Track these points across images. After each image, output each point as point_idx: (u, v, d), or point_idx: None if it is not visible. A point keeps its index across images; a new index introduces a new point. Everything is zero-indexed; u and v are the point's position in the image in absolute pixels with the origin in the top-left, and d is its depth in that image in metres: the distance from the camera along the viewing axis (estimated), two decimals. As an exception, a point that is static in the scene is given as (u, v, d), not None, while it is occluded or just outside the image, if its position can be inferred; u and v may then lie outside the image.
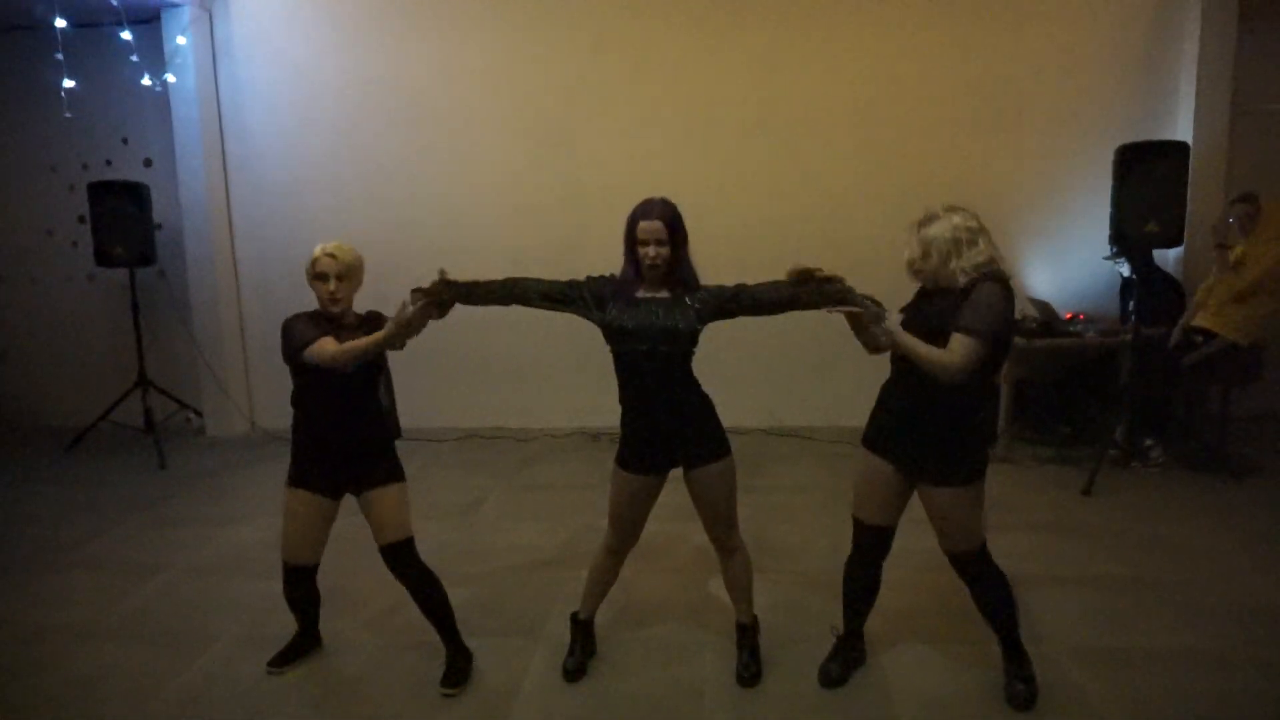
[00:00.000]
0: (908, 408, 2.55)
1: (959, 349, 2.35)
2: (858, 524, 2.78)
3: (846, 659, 2.90)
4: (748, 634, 2.93)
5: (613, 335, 2.64)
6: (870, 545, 2.78)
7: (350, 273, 2.72)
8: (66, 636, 3.27)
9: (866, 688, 2.81)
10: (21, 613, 3.49)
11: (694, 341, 2.65)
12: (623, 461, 2.75)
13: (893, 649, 3.04)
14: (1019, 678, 2.71)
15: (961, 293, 2.43)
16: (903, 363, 2.53)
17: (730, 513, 2.78)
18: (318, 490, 2.80)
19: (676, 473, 2.77)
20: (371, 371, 2.80)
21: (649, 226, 2.58)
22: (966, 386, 2.40)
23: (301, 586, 2.94)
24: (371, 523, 2.84)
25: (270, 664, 2.99)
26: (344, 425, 2.77)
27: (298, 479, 2.80)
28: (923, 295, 2.61)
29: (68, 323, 6.62)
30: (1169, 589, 3.44)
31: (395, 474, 2.87)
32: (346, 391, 2.75)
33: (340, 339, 2.65)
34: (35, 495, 5.01)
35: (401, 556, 2.84)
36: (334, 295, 2.69)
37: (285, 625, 3.30)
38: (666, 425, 2.67)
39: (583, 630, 2.99)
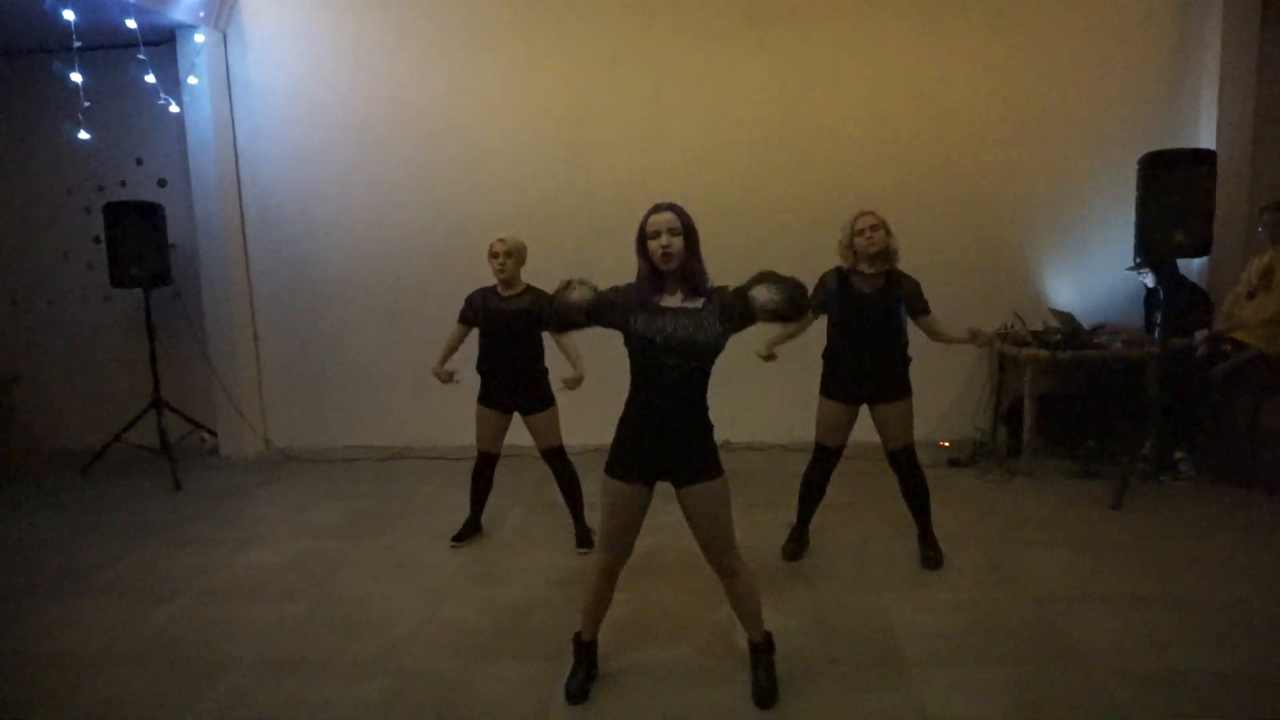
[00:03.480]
0: (874, 359, 3.72)
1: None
2: (823, 448, 3.89)
3: (800, 543, 4.03)
4: (760, 652, 2.86)
5: (638, 346, 2.60)
6: (830, 462, 3.90)
7: (515, 252, 4.00)
8: (83, 662, 3.22)
9: (902, 709, 2.73)
10: (38, 638, 3.44)
11: (719, 353, 2.63)
12: (611, 469, 2.71)
13: (929, 669, 2.96)
14: (932, 548, 3.86)
15: (890, 274, 3.72)
16: (862, 331, 3.72)
17: (725, 534, 2.72)
18: (496, 408, 4.12)
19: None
20: (529, 335, 4.05)
21: (659, 218, 2.59)
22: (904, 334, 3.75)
23: (486, 471, 4.26)
24: (533, 435, 4.14)
25: (453, 539, 4.29)
26: (510, 368, 4.06)
27: (484, 399, 4.13)
28: (843, 272, 3.79)
29: (83, 344, 6.61)
30: (1208, 607, 3.35)
31: (548, 402, 4.14)
32: (510, 346, 4.04)
33: (501, 304, 4.03)
34: (50, 519, 4.97)
35: (555, 456, 4.17)
36: (501, 267, 3.97)
37: (305, 649, 3.26)
38: (666, 438, 2.63)
39: (586, 651, 2.93)
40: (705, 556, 2.78)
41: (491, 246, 4.00)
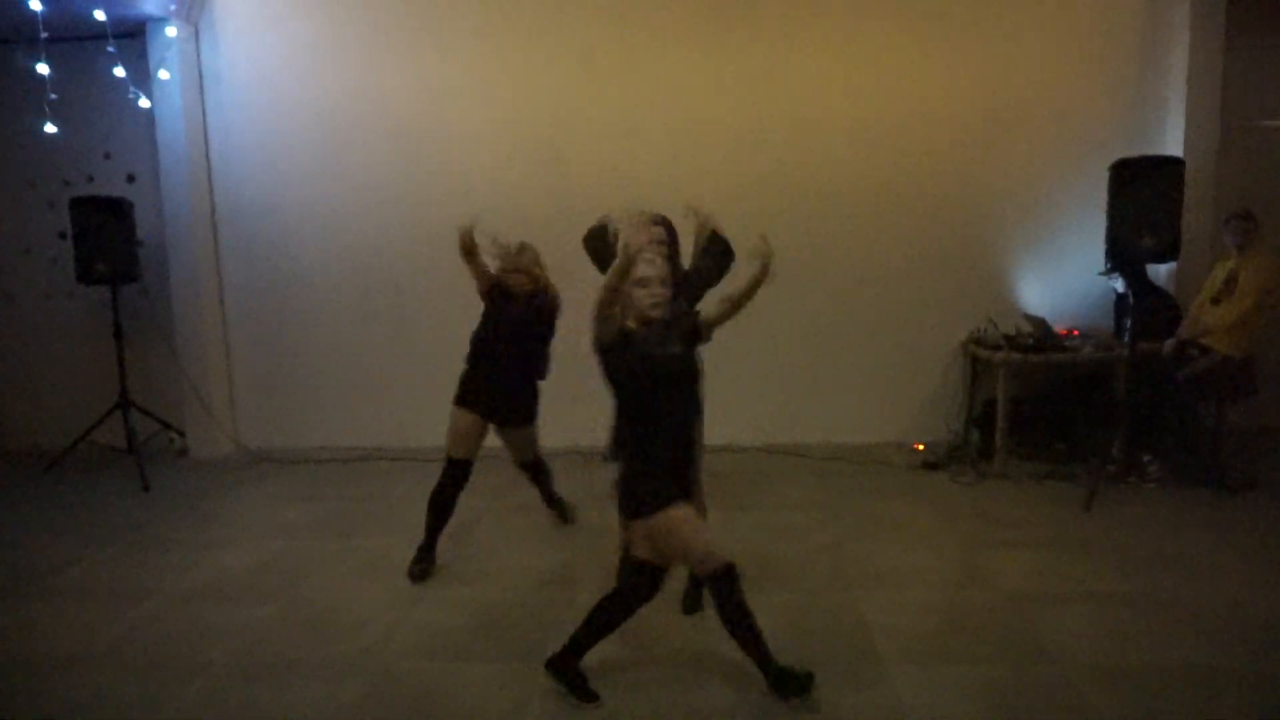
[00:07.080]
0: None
1: None
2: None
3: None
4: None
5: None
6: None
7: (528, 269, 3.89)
8: (50, 666, 3.15)
9: (878, 707, 2.75)
10: (1, 642, 3.36)
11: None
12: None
13: (904, 668, 2.98)
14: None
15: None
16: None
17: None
18: (476, 411, 3.84)
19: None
20: (534, 343, 3.86)
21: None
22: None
23: (455, 487, 3.83)
24: (509, 447, 4.06)
25: (410, 573, 3.85)
26: (502, 372, 3.84)
27: (461, 400, 3.86)
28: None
29: (47, 341, 6.47)
30: (1175, 605, 3.41)
31: (530, 418, 3.98)
32: (511, 348, 3.81)
33: (511, 308, 3.84)
34: (13, 519, 4.86)
35: (530, 465, 4.18)
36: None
37: (277, 651, 3.21)
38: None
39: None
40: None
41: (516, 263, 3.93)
